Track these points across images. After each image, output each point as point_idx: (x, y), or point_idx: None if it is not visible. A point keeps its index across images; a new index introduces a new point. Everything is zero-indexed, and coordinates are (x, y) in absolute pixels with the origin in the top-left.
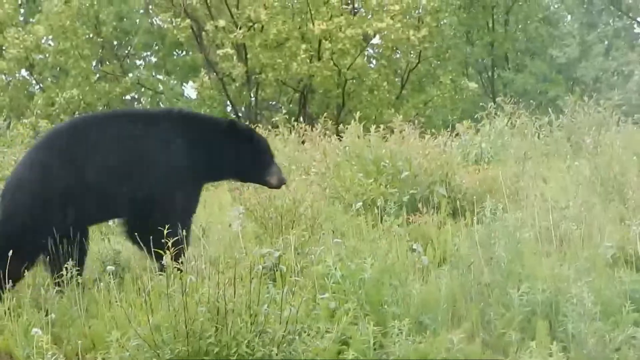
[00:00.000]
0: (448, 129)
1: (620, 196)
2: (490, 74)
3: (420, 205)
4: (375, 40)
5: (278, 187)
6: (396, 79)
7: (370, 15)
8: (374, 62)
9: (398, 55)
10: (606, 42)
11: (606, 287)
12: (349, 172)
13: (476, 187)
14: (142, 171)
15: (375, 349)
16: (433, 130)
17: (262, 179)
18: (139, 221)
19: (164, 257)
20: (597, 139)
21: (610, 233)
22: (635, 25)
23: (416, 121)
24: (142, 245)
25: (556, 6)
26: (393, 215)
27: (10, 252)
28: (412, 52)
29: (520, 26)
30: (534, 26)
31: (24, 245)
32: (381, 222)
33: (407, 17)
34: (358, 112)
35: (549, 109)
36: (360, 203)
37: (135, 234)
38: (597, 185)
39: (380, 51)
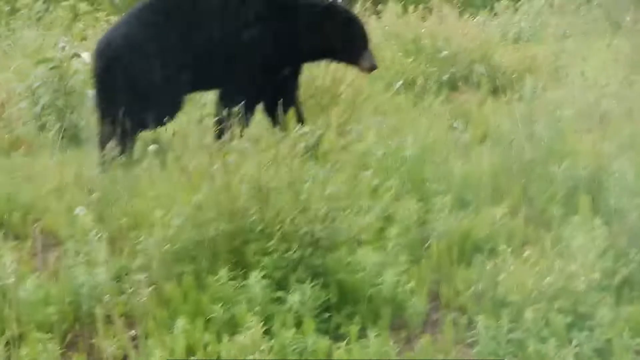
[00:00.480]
0: (487, 9)
1: None
2: None
3: (460, 83)
4: None
5: (370, 71)
6: None
7: None
8: None
9: None
10: None
11: None
12: (388, 51)
13: (515, 66)
14: (232, 46)
15: (418, 225)
16: (472, 9)
17: (355, 62)
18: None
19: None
20: (636, 16)
21: None
22: None
23: (455, 1)
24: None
25: None
26: (433, 94)
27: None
28: None
29: None
30: None
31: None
32: (422, 100)
33: None
34: None
35: None
36: (401, 82)
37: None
38: (637, 62)
39: None
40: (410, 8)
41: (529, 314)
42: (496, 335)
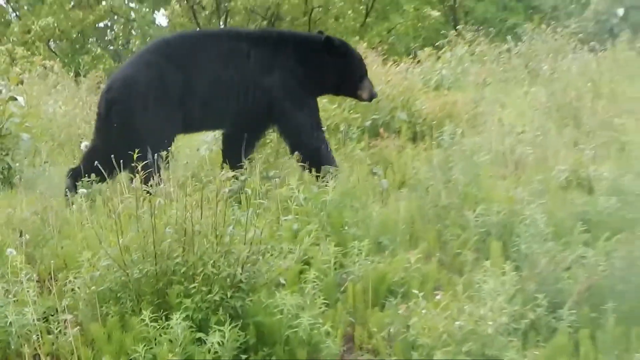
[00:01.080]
0: (410, 56)
1: (574, 121)
2: (452, 2)
3: (381, 130)
4: None
5: (369, 100)
6: (361, 7)
7: None
8: None
9: None
10: None
11: (559, 209)
12: None
13: (436, 113)
14: (246, 87)
15: (335, 269)
16: (396, 57)
17: (355, 93)
18: (239, 133)
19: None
20: (554, 65)
21: (564, 157)
22: None
23: (379, 48)
24: (233, 155)
25: None
26: (355, 140)
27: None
28: None
29: None
30: None
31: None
32: (344, 146)
33: None
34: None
35: (508, 37)
36: (324, 128)
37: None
38: (553, 110)
39: None
40: None
41: (438, 357)
42: None
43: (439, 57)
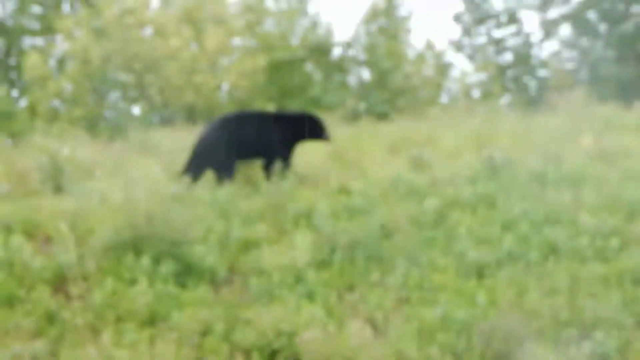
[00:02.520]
0: None
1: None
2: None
3: None
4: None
5: (329, 141)
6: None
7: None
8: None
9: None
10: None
11: (334, 203)
12: None
13: None
14: (262, 140)
15: (225, 234)
16: None
17: (322, 139)
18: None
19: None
20: (332, 134)
21: (337, 178)
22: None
23: None
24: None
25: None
26: None
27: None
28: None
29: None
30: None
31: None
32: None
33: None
34: None
35: None
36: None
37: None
38: (332, 156)
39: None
40: None
41: (275, 277)
42: (260, 288)
43: None
